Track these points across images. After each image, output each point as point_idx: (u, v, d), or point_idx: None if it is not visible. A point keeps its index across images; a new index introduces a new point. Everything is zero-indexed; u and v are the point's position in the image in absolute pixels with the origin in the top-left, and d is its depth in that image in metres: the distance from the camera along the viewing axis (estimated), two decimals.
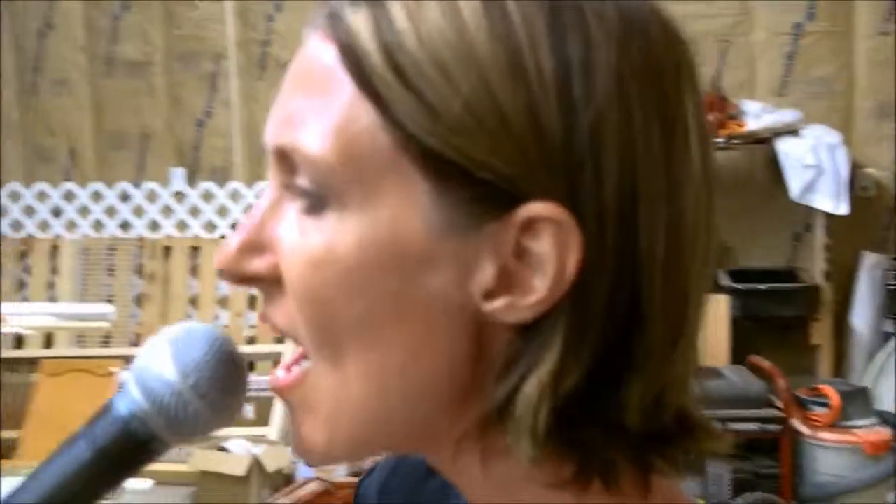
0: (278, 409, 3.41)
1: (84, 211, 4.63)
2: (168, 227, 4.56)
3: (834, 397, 3.34)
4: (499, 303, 0.46)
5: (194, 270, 4.40)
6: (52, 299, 4.51)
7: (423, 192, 0.45)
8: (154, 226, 4.58)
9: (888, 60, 4.01)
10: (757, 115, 3.96)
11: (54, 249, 4.51)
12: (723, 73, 4.17)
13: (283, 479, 3.17)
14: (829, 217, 3.89)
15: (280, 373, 0.49)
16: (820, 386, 3.48)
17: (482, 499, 0.50)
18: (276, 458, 3.11)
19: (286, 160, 0.48)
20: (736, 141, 3.93)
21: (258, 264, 0.48)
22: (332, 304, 0.46)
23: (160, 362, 0.48)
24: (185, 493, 3.35)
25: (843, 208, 3.79)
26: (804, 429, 3.34)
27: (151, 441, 0.48)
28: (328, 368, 0.47)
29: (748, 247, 4.09)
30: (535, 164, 0.44)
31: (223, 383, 0.48)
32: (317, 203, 0.46)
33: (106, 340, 4.32)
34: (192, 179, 4.66)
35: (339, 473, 4.08)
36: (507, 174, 0.44)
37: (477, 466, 0.49)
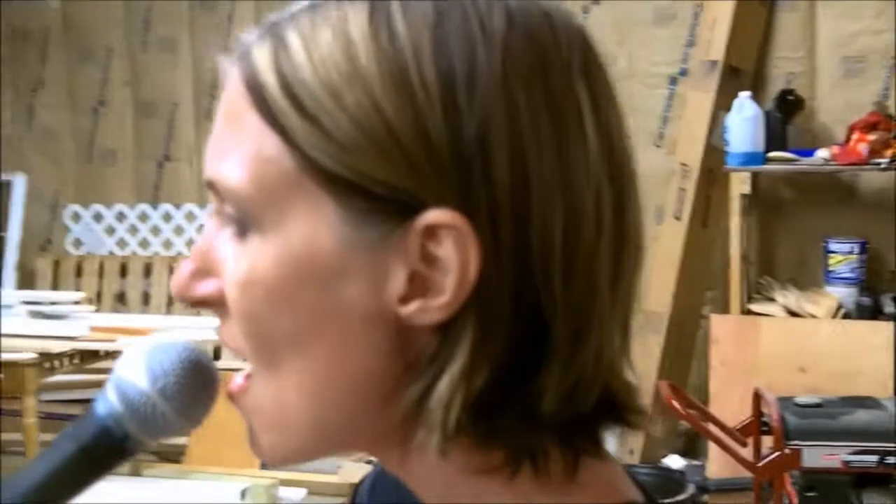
0: None
1: None
2: None
3: None
4: (412, 306, 0.48)
5: None
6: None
7: (330, 211, 0.48)
8: None
9: None
10: None
11: None
12: (889, 93, 3.99)
13: None
14: None
15: (238, 379, 0.53)
16: None
17: (427, 492, 0.53)
18: None
19: (215, 189, 0.52)
20: None
21: (206, 287, 0.52)
22: (262, 321, 0.50)
23: (134, 370, 0.53)
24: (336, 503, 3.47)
25: None
26: None
27: (126, 440, 0.54)
28: (267, 379, 0.51)
29: None
30: (427, 174, 0.47)
31: (190, 390, 0.53)
32: (242, 228, 0.50)
33: None
34: None
35: None
36: (400, 187, 0.47)
37: (418, 463, 0.52)
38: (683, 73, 4.42)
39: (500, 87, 0.47)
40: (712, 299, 4.36)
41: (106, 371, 4.82)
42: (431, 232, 0.47)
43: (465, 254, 0.47)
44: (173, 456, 4.51)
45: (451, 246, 0.47)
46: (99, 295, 5.06)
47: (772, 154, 3.96)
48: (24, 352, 3.63)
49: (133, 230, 5.14)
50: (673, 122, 4.44)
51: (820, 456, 3.22)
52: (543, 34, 0.49)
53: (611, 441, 3.39)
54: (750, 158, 3.94)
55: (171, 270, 5.04)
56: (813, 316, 3.92)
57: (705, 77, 4.16)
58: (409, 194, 0.47)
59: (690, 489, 3.66)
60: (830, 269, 4.03)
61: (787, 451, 3.21)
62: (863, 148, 3.80)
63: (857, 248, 3.99)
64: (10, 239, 5.31)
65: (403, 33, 0.48)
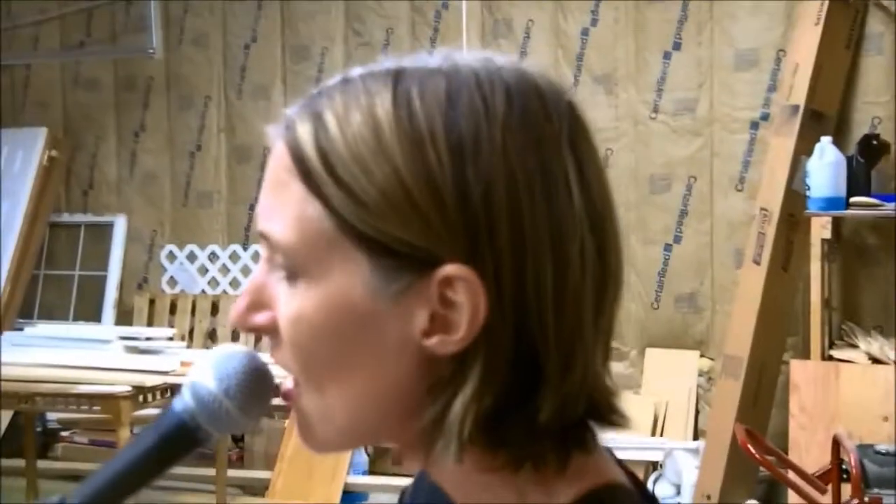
0: None
1: None
2: None
3: None
4: (433, 340, 0.59)
5: None
6: None
7: (363, 265, 0.58)
8: None
9: None
10: None
11: None
12: None
13: None
14: None
15: (288, 383, 0.64)
16: None
17: (448, 485, 0.64)
18: None
19: (267, 242, 0.62)
20: None
21: (260, 319, 0.62)
22: (309, 351, 0.60)
23: (204, 374, 0.63)
24: None
25: None
26: None
27: (197, 430, 0.64)
28: (313, 393, 0.62)
29: None
30: (442, 235, 0.57)
31: (250, 391, 0.63)
32: (291, 275, 0.61)
33: None
34: None
35: None
36: (420, 245, 0.57)
37: (439, 462, 0.61)
38: (765, 117, 4.43)
39: (501, 158, 0.57)
40: (794, 345, 4.33)
41: None
42: (448, 282, 0.58)
43: (476, 299, 0.57)
44: (259, 490, 4.64)
45: (463, 293, 0.57)
46: (191, 332, 5.25)
47: (854, 199, 3.94)
48: (120, 385, 3.80)
49: (224, 270, 5.34)
50: (754, 167, 4.44)
51: None
52: (536, 110, 0.59)
53: (687, 486, 3.38)
54: (831, 203, 3.92)
55: None
56: None
57: (787, 122, 4.17)
58: (428, 252, 0.57)
59: None
60: None
61: (866, 499, 3.16)
62: None
63: None
64: (109, 277, 5.57)
65: (420, 114, 0.58)
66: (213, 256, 5.37)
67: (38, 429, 5.16)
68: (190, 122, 5.43)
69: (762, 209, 4.17)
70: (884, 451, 3.31)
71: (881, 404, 3.75)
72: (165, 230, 5.52)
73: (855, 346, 4.02)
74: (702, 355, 4.61)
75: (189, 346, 4.66)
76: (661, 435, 4.53)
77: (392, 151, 0.57)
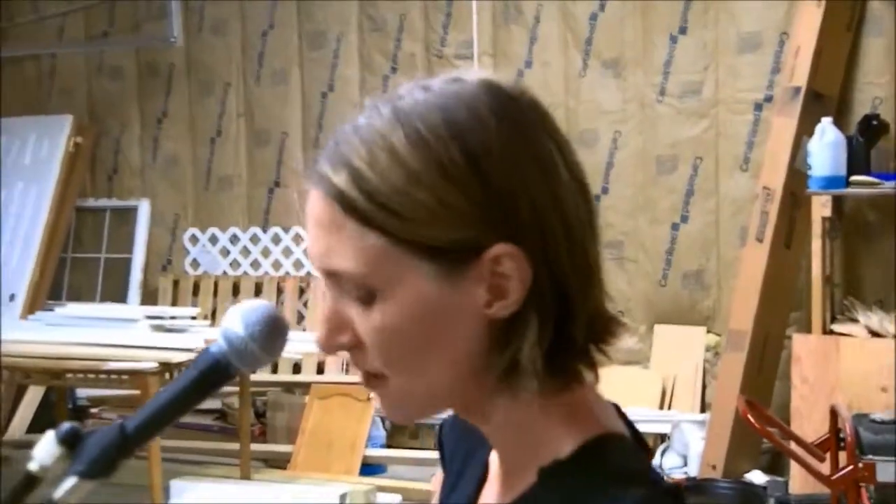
0: None
1: None
2: None
3: None
4: (494, 308, 0.73)
5: None
6: None
7: (425, 270, 0.72)
8: None
9: None
10: None
11: None
12: None
13: None
14: None
15: (362, 378, 0.78)
16: None
17: (496, 434, 0.78)
18: None
19: (334, 277, 0.74)
20: None
21: (343, 339, 0.75)
22: (396, 351, 0.74)
23: (234, 322, 0.77)
24: None
25: None
26: None
27: (229, 367, 0.77)
28: (400, 380, 0.75)
29: None
30: (479, 227, 0.71)
31: (270, 335, 0.78)
32: (366, 297, 0.73)
33: None
34: None
35: None
36: (465, 240, 0.71)
37: (495, 409, 0.76)
38: (769, 99, 4.54)
39: (505, 155, 0.71)
40: (797, 320, 4.45)
41: None
42: (496, 260, 0.71)
43: (521, 266, 0.71)
44: (280, 463, 4.81)
45: (511, 264, 0.71)
46: (214, 312, 5.42)
47: (854, 178, 4.05)
48: (147, 361, 3.97)
49: (245, 252, 5.49)
50: (759, 147, 4.55)
51: (895, 471, 3.29)
52: (516, 110, 0.74)
53: (694, 457, 3.54)
54: (831, 182, 4.03)
55: (279, 289, 5.37)
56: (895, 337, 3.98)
57: (789, 103, 4.27)
58: (473, 241, 0.71)
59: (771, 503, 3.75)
60: None
61: (860, 465, 3.29)
62: None
63: None
64: (134, 260, 5.75)
65: (432, 140, 0.71)
66: (234, 239, 5.52)
67: (69, 406, 5.34)
68: (210, 108, 5.58)
69: (765, 188, 4.28)
70: (879, 420, 3.44)
71: (879, 376, 3.87)
72: (188, 213, 5.68)
73: (855, 321, 4.14)
74: (709, 331, 4.72)
75: (212, 326, 4.83)
76: (669, 408, 4.67)
77: (420, 174, 0.71)
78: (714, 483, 4.04)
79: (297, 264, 5.34)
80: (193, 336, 4.11)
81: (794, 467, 3.82)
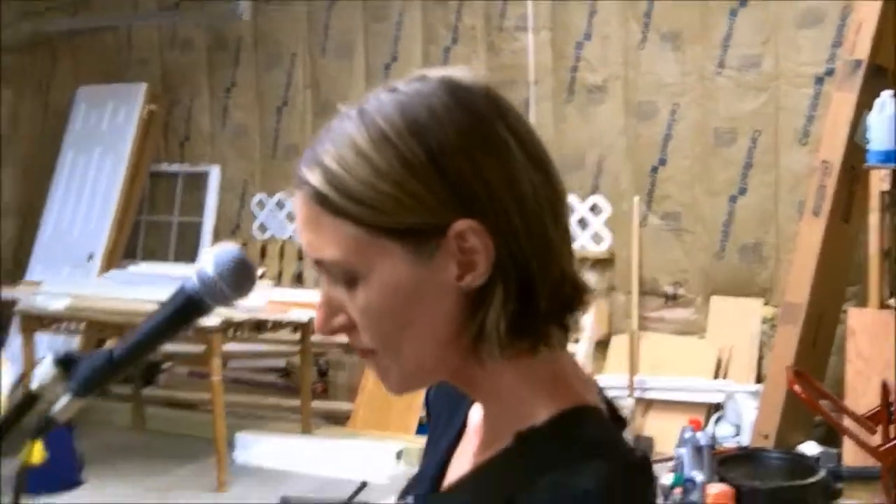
0: None
1: None
2: None
3: None
4: (465, 280, 0.79)
5: None
6: None
7: (396, 250, 0.78)
8: None
9: None
10: None
11: None
12: None
13: None
14: None
15: (359, 356, 0.86)
16: None
17: (479, 390, 0.86)
18: None
19: (322, 265, 0.81)
20: None
21: (338, 321, 0.83)
22: (381, 327, 0.81)
23: (206, 263, 0.86)
24: None
25: None
26: None
27: (201, 304, 0.86)
28: (387, 353, 0.82)
29: None
30: (440, 209, 0.78)
31: (237, 276, 0.87)
32: (350, 281, 0.80)
33: None
34: None
35: None
36: (430, 222, 0.78)
37: (476, 370, 0.83)
38: (830, 72, 4.52)
39: (458, 141, 0.78)
40: (854, 294, 4.45)
41: (281, 341, 5.29)
42: (461, 235, 0.78)
43: (484, 239, 0.78)
44: (341, 419, 4.97)
45: (474, 238, 0.78)
46: (279, 274, 5.59)
47: None
48: (212, 318, 4.14)
49: None
50: (818, 121, 4.54)
51: None
52: (470, 104, 0.81)
53: (747, 427, 3.60)
54: (890, 156, 4.01)
55: None
56: None
57: (850, 77, 4.25)
58: (437, 221, 0.78)
59: (822, 474, 3.77)
60: None
61: None
62: None
63: None
64: (205, 223, 5.95)
65: (390, 133, 0.78)
66: None
67: None
68: (277, 79, 5.73)
69: (823, 162, 4.28)
70: None
71: None
72: (256, 179, 5.84)
73: None
74: (766, 303, 4.75)
75: (277, 287, 4.98)
76: (725, 378, 4.71)
77: (381, 166, 0.78)
78: (765, 452, 4.07)
79: None
80: (257, 296, 4.26)
81: (848, 440, 3.84)
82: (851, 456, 3.98)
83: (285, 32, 5.66)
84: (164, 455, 4.72)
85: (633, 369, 4.73)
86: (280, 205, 5.72)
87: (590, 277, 5.14)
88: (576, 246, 5.11)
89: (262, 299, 4.16)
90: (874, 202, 4.05)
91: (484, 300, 0.79)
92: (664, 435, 4.51)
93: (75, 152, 6.14)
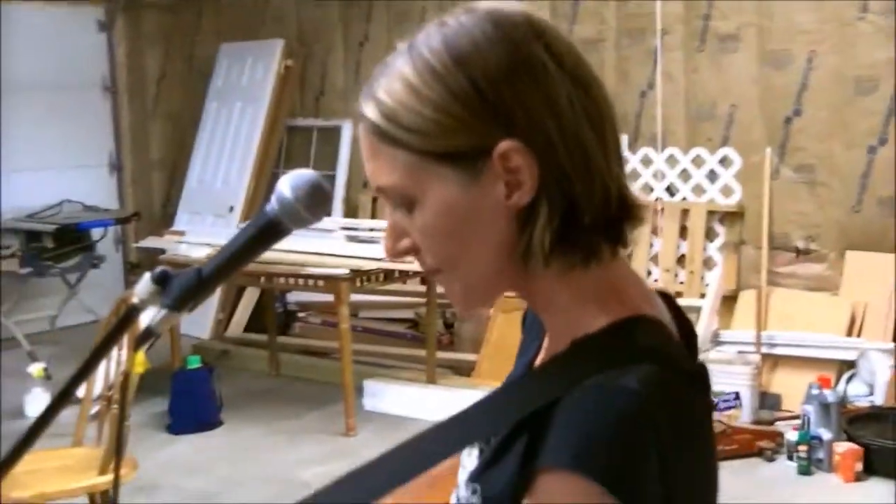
0: None
1: None
2: None
3: None
4: (513, 198, 0.84)
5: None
6: None
7: (449, 173, 0.84)
8: None
9: None
10: None
11: None
12: None
13: None
14: None
15: (428, 275, 0.92)
16: None
17: (536, 299, 0.90)
18: None
19: (384, 193, 0.87)
20: None
21: (403, 245, 0.88)
22: (440, 246, 0.86)
23: (284, 187, 0.89)
24: None
25: None
26: None
27: (280, 225, 0.89)
28: (450, 272, 0.88)
29: None
30: (486, 133, 0.82)
31: (314, 198, 0.89)
32: (408, 205, 0.86)
33: None
34: (632, 146, 5.11)
35: (744, 420, 4.29)
36: (476, 145, 0.83)
37: (532, 283, 0.88)
38: None
39: (500, 71, 0.82)
40: None
41: (410, 293, 5.41)
42: (505, 156, 0.82)
43: (527, 158, 0.82)
44: (465, 370, 5.06)
45: (518, 157, 0.82)
46: None
47: None
48: (341, 268, 4.28)
49: None
50: None
51: None
52: (510, 30, 0.84)
53: (881, 385, 3.53)
54: None
55: None
56: None
57: None
58: (483, 146, 0.82)
59: None
60: None
61: None
62: None
63: None
64: (338, 176, 6.11)
65: (440, 68, 0.83)
66: None
67: (280, 310, 5.81)
68: (408, 34, 5.78)
69: None
70: None
71: None
72: None
73: None
74: None
75: None
76: (859, 336, 4.57)
77: (428, 96, 0.83)
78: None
79: None
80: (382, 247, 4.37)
81: None
82: None
83: None
84: (297, 399, 4.93)
85: (761, 325, 4.64)
86: None
87: (718, 230, 5.05)
88: (705, 199, 5.06)
89: None
90: None
91: (530, 218, 0.83)
92: (793, 391, 4.42)
93: (217, 107, 6.39)
